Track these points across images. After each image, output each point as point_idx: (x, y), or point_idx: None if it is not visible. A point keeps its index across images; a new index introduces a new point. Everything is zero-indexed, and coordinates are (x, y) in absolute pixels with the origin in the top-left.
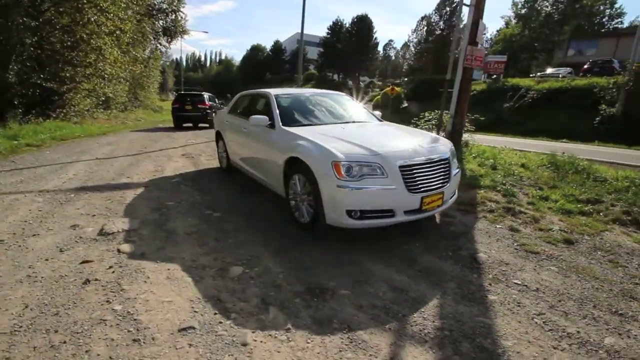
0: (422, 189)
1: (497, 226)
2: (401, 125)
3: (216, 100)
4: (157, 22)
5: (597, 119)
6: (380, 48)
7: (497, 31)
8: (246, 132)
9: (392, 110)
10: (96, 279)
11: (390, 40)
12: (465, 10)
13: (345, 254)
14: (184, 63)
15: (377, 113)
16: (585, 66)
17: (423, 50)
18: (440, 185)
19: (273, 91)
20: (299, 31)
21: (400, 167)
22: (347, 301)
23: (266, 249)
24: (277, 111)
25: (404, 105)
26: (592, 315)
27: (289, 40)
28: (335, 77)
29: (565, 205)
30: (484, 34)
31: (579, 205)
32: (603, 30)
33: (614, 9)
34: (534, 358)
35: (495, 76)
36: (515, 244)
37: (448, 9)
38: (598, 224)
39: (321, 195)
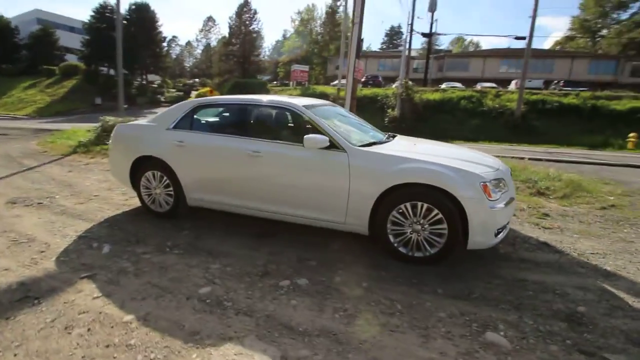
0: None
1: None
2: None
3: None
4: None
5: (386, 119)
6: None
7: (277, 42)
8: (261, 157)
9: None
10: None
11: (175, 37)
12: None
13: (518, 286)
14: None
15: None
16: (363, 79)
17: (229, 53)
18: None
19: (291, 100)
20: (37, 7)
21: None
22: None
23: (461, 304)
24: (329, 127)
25: None
26: None
27: (23, 18)
28: (112, 72)
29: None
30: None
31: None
32: None
33: None
34: None
35: (304, 84)
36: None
37: (247, 15)
38: (563, 200)
39: (469, 220)
